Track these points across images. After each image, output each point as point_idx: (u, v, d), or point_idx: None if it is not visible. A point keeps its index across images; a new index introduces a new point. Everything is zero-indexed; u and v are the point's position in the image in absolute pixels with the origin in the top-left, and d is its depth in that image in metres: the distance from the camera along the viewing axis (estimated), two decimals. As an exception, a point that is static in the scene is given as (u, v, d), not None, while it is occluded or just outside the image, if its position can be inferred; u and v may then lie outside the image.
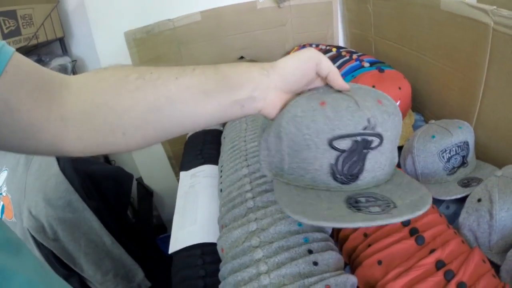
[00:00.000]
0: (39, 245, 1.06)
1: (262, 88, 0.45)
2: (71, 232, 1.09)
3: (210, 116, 0.44)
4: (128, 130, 0.41)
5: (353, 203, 0.42)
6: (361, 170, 0.43)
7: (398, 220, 0.37)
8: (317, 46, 1.34)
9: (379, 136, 0.43)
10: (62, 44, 1.46)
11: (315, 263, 0.57)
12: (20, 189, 1.06)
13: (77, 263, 1.12)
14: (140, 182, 1.71)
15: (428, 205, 0.40)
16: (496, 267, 0.61)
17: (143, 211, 1.63)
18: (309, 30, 1.47)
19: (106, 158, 1.75)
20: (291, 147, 0.44)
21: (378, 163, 0.44)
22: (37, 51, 1.41)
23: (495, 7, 0.76)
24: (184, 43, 1.36)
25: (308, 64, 0.47)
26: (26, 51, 1.31)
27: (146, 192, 1.70)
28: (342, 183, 0.44)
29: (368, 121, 0.42)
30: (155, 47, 1.34)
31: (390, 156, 0.47)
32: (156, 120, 0.41)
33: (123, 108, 0.40)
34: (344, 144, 0.42)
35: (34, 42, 1.31)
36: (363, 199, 0.43)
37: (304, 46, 1.38)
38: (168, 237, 0.87)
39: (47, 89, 0.38)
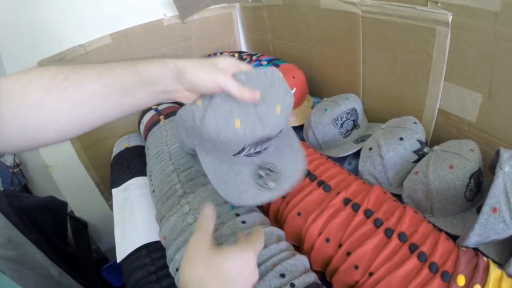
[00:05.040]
0: (-14, 290, 0.96)
1: (175, 87, 0.49)
2: (16, 270, 0.99)
3: (130, 106, 0.48)
4: (58, 126, 0.43)
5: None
6: None
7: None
8: (221, 53, 1.39)
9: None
10: (-30, 80, 1.35)
11: (243, 222, 0.61)
12: (-41, 231, 0.96)
13: (29, 301, 1.02)
14: (71, 215, 1.55)
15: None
16: (399, 197, 0.70)
17: (81, 244, 1.48)
18: (213, 40, 1.52)
19: (30, 193, 1.62)
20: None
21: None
22: None
23: (361, -1, 0.86)
24: (97, 66, 1.32)
25: (210, 75, 0.49)
26: None
27: (79, 224, 1.56)
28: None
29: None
30: (69, 73, 1.28)
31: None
32: (83, 114, 0.44)
33: (52, 106, 0.41)
34: None
35: None
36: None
37: (209, 56, 1.42)
38: (113, 265, 0.84)
39: None
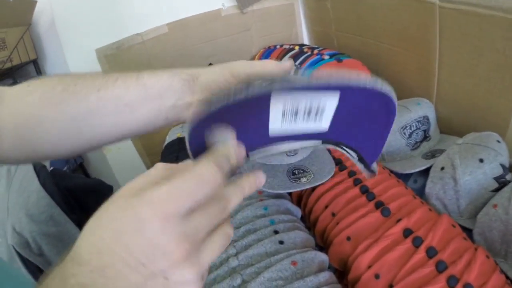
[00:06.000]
0: (25, 261, 1.02)
1: (185, 99, 0.41)
2: (55, 246, 1.05)
3: (135, 126, 0.41)
4: (56, 140, 0.40)
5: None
6: None
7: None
8: (281, 46, 1.32)
9: None
10: (36, 65, 1.41)
11: (281, 242, 0.54)
12: (3, 208, 1.02)
13: (63, 277, 1.07)
14: None
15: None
16: (469, 232, 0.58)
17: None
18: (273, 32, 1.44)
19: (85, 173, 1.70)
20: None
21: None
22: (12, 74, 1.36)
23: (439, -15, 0.74)
24: (154, 56, 1.32)
25: (224, 76, 0.40)
26: (1, 74, 1.26)
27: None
28: None
29: None
30: (126, 61, 1.29)
31: None
32: (81, 131, 0.40)
33: (49, 120, 0.39)
34: None
35: (8, 65, 1.26)
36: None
37: (269, 49, 1.36)
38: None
39: None
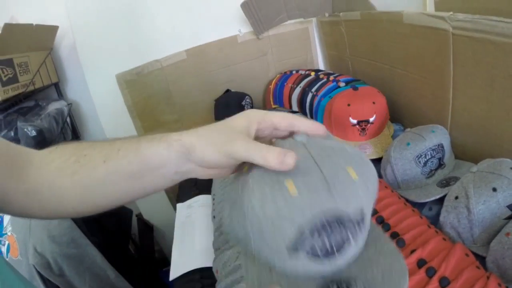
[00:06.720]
0: (46, 281, 1.05)
1: (186, 167, 0.42)
2: (75, 267, 1.09)
3: (143, 190, 0.44)
4: (75, 204, 0.44)
5: None
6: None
7: None
8: (297, 72, 1.35)
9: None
10: (57, 88, 1.48)
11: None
12: (25, 227, 1.07)
13: (83, 297, 1.10)
14: (140, 217, 1.70)
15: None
16: (483, 259, 0.60)
17: (145, 246, 1.61)
18: (289, 57, 1.49)
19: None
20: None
21: None
22: (34, 97, 1.42)
23: (451, 13, 0.77)
24: (172, 81, 1.37)
25: (219, 156, 0.39)
26: (24, 97, 1.32)
27: (146, 227, 1.68)
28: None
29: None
30: (146, 86, 1.35)
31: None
32: (94, 197, 0.44)
33: (65, 187, 0.43)
34: None
35: (31, 88, 1.33)
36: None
37: (285, 74, 1.39)
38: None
39: (16, 165, 0.43)
